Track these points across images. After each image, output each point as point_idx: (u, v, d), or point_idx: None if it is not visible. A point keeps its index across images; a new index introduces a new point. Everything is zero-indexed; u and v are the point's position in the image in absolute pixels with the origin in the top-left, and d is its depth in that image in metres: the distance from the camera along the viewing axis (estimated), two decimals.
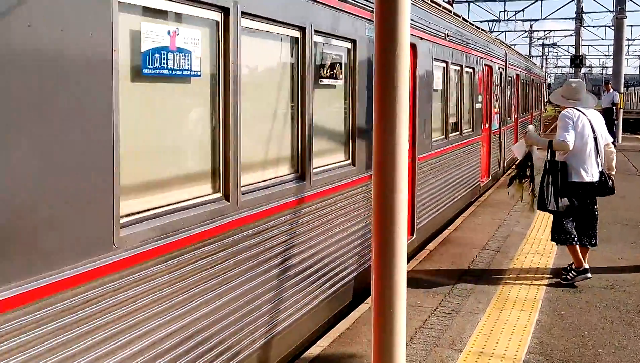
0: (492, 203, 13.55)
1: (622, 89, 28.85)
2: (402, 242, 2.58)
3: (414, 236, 9.20)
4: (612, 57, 34.40)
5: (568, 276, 7.81)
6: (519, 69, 22.43)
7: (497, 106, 16.72)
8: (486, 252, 9.37)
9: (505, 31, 54.86)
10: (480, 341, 6.04)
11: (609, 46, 72.94)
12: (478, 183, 14.21)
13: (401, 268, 2.63)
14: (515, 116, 21.69)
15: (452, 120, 11.70)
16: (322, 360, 5.68)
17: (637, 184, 15.96)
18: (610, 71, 58.94)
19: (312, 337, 6.07)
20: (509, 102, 19.33)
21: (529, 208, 8.33)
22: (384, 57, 2.64)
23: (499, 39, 22.47)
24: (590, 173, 7.74)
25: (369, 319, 6.57)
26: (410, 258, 9.02)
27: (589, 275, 7.79)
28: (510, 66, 19.36)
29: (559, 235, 7.86)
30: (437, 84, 10.50)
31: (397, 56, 2.52)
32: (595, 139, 7.78)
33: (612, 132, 25.93)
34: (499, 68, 17.00)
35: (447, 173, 11.23)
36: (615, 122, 26.68)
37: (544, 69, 72.38)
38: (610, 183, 7.88)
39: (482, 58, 14.37)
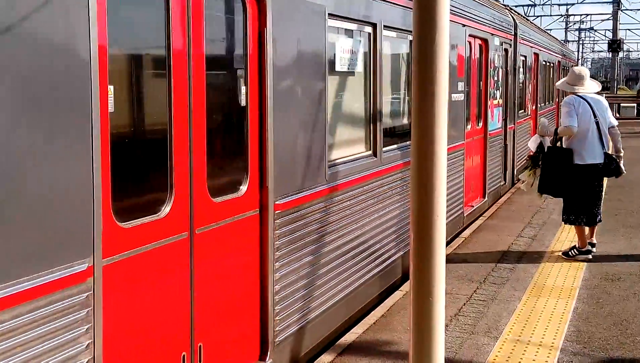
0: (528, 191, 13.40)
1: None
2: (441, 230, 2.58)
3: (269, 360, 4.79)
4: None
5: (570, 253, 8.32)
6: (539, 47, 17.29)
7: (498, 96, 12.04)
8: (522, 239, 9.29)
9: (541, 16, 54.14)
10: (517, 329, 6.00)
11: None
12: (460, 212, 9.85)
13: (440, 256, 2.62)
14: (533, 108, 17.01)
15: (391, 123, 7.37)
16: (358, 346, 5.69)
17: None
18: None
19: None
20: (521, 91, 14.67)
21: (537, 195, 8.84)
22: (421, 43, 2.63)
23: (507, 6, 16.34)
24: (593, 156, 8.09)
25: (404, 306, 6.60)
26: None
27: (590, 256, 8.20)
28: (523, 42, 14.38)
29: (568, 215, 8.32)
30: (343, 62, 6.13)
31: (437, 43, 2.49)
32: (597, 123, 8.10)
33: None
34: (501, 44, 12.17)
35: (370, 222, 6.56)
36: None
37: (579, 54, 71.18)
38: (614, 164, 8.23)
39: (465, 26, 9.74)
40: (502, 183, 12.79)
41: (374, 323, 6.20)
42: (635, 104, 36.53)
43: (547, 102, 20.04)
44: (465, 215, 10.08)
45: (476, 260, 8.27)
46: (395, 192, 7.10)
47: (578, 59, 66.75)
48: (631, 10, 58.22)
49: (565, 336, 5.84)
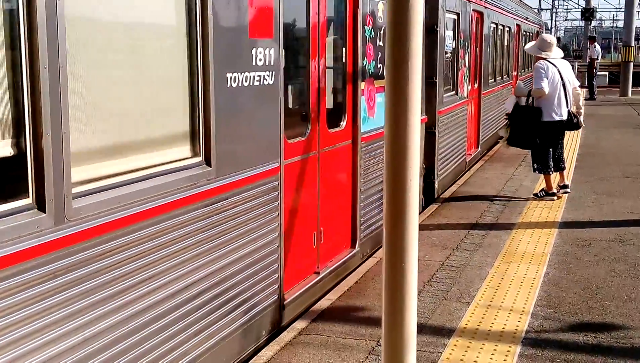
0: (500, 158, 13.51)
1: (632, 42, 28.62)
2: (414, 195, 2.57)
3: None
4: (623, 9, 33.91)
5: (539, 194, 9.73)
6: (483, 4, 12.93)
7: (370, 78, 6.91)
8: (494, 206, 9.37)
9: None
10: (488, 294, 6.07)
11: None
12: (260, 311, 5.13)
13: (413, 222, 2.63)
14: (474, 87, 12.74)
15: None
16: (332, 312, 5.72)
17: None
18: (621, 24, 58.29)
19: None
20: (451, 65, 10.80)
21: (505, 145, 10.07)
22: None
23: None
24: (560, 113, 9.42)
25: (377, 273, 6.63)
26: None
27: (555, 198, 9.61)
28: None
29: (538, 165, 9.62)
30: None
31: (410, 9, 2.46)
32: (564, 85, 9.39)
33: (592, 86, 26.14)
34: None
35: None
36: (594, 75, 26.76)
37: (553, 22, 71.22)
38: (575, 120, 9.63)
39: None
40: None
41: (347, 289, 6.23)
42: (607, 73, 36.87)
43: (499, 78, 15.69)
44: (285, 304, 5.31)
45: (449, 227, 8.32)
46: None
47: (551, 28, 66.85)
48: None
49: (536, 301, 5.91)
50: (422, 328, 5.28)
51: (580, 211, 9.02)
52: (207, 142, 4.25)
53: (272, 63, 4.90)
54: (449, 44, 10.48)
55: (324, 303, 5.88)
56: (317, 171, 5.91)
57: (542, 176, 9.79)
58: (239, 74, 4.51)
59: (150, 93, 3.95)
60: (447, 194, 10.19)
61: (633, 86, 28.97)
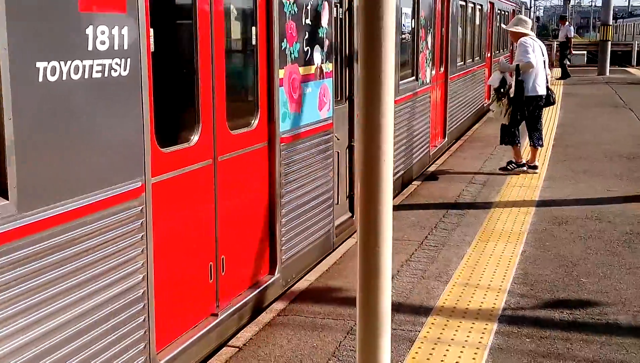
0: (479, 138, 13.56)
1: (610, 21, 28.71)
2: (388, 176, 2.58)
3: None
4: None
5: (508, 167, 10.06)
6: None
7: (318, 58, 6.07)
8: (473, 186, 9.41)
9: None
10: (466, 273, 6.11)
11: None
12: None
13: (387, 203, 2.63)
14: (440, 71, 11.55)
15: None
16: (310, 293, 5.74)
17: (623, 117, 15.99)
18: (599, 3, 58.45)
19: None
20: (407, 47, 9.48)
21: (507, 119, 9.97)
22: None
23: None
24: (542, 88, 9.84)
25: (356, 253, 6.64)
26: None
27: (525, 168, 9.97)
28: None
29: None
30: None
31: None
32: (544, 61, 9.92)
33: (563, 65, 26.11)
34: None
35: None
36: (568, 55, 26.68)
37: (532, 2, 71.19)
38: (554, 96, 10.17)
39: None
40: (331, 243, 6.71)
41: (326, 270, 6.25)
42: (585, 52, 37.05)
43: (469, 61, 14.54)
44: None
45: (428, 207, 8.36)
46: None
47: (530, 7, 66.94)
48: None
49: (512, 279, 5.97)
50: (399, 307, 5.31)
51: (558, 189, 9.09)
52: (1, 164, 2.94)
53: (125, 47, 3.55)
54: (407, 23, 9.26)
55: (302, 284, 5.90)
56: (213, 185, 4.62)
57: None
58: (62, 63, 3.16)
59: None
60: (427, 173, 10.23)
61: (611, 65, 29.13)
